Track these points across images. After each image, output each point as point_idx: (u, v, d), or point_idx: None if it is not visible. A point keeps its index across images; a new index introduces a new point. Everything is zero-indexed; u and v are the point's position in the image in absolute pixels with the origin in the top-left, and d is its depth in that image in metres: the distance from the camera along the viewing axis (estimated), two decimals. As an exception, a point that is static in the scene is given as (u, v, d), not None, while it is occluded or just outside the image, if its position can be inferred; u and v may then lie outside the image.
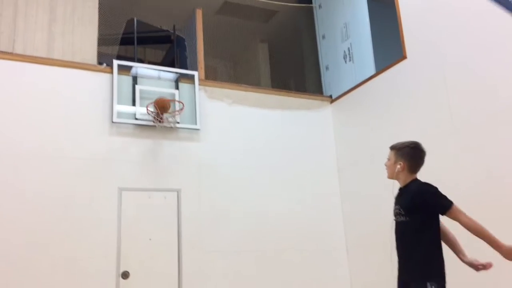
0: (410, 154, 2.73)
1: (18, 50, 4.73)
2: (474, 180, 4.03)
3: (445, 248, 2.65)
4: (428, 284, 2.47)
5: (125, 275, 4.54)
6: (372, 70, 5.58)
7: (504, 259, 2.44)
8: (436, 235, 2.60)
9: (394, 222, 2.80)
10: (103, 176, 4.72)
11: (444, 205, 2.53)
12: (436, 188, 2.59)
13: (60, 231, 4.39)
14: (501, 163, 3.81)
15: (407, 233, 2.61)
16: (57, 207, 4.44)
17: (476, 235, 2.45)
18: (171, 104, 5.05)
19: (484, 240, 2.44)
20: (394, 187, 2.86)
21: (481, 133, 4.02)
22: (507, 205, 3.73)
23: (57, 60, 4.85)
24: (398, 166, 2.73)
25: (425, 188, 2.63)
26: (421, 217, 2.58)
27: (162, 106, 4.90)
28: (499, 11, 3.93)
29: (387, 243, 4.81)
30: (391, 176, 2.82)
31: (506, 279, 3.71)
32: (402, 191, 2.78)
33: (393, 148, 2.84)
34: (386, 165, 2.87)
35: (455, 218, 2.51)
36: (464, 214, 2.50)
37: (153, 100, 4.94)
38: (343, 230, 5.76)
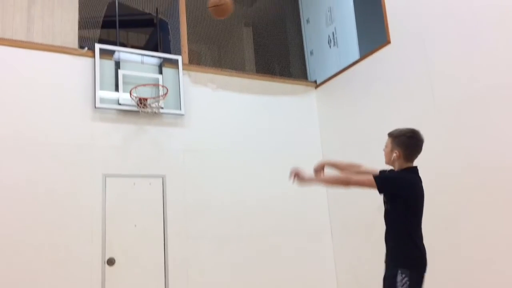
0: (406, 143, 2.73)
1: (-4, 33, 4.60)
2: (455, 160, 4.11)
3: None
4: (399, 272, 2.52)
5: (110, 261, 4.53)
6: (356, 55, 5.59)
7: None
8: (410, 225, 2.62)
9: None
10: (87, 162, 4.66)
11: (378, 176, 2.67)
12: (393, 174, 2.71)
13: (44, 218, 4.34)
14: (483, 146, 3.89)
15: (387, 220, 2.70)
16: (41, 194, 4.37)
17: (337, 177, 2.80)
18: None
19: (332, 177, 2.79)
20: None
21: (462, 114, 4.09)
22: (488, 187, 3.82)
23: (37, 43, 4.73)
24: (394, 155, 2.75)
25: (395, 172, 2.73)
26: (395, 206, 2.64)
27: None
28: (482, -3, 3.97)
29: (370, 226, 4.91)
30: (388, 163, 2.84)
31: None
32: None
33: (390, 135, 2.83)
34: (384, 151, 2.88)
35: (365, 175, 2.72)
36: (358, 182, 2.69)
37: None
38: (327, 213, 5.83)
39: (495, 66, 3.82)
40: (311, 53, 6.49)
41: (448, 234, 4.11)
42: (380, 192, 2.61)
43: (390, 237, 2.67)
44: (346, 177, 2.76)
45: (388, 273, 2.59)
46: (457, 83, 4.16)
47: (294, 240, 5.52)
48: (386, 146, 2.86)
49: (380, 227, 2.81)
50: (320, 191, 5.88)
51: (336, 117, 5.85)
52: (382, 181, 2.61)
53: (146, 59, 5.28)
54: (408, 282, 2.48)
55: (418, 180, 2.71)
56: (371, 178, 2.61)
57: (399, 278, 2.50)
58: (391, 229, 2.67)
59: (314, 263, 5.59)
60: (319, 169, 3.01)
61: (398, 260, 2.58)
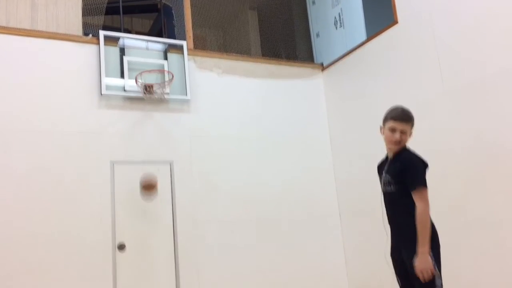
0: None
1: (1, 22, 4.59)
2: (464, 143, 4.06)
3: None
4: None
5: (121, 247, 4.58)
6: (363, 36, 5.51)
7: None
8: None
9: (382, 192, 2.80)
10: (95, 149, 4.69)
11: (416, 182, 2.52)
12: (423, 164, 2.59)
13: (53, 206, 4.39)
14: (491, 126, 3.84)
15: (399, 202, 2.62)
16: (49, 182, 4.42)
17: (418, 225, 2.47)
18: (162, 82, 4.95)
19: (420, 233, 2.45)
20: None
21: (471, 96, 4.03)
22: (495, 167, 3.79)
23: (41, 31, 4.72)
24: (409, 137, 2.68)
25: (417, 159, 2.62)
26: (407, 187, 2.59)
27: (149, 186, 4.47)
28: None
29: (379, 209, 4.89)
30: (401, 148, 2.70)
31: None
32: (392, 160, 2.73)
33: (410, 119, 2.68)
34: (403, 139, 2.67)
35: (416, 199, 2.51)
36: (426, 202, 2.50)
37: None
38: (335, 196, 5.83)
39: (505, 47, 3.73)
40: (317, 35, 6.41)
41: (456, 215, 4.09)
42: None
43: (407, 217, 2.56)
44: (422, 214, 2.49)
45: (411, 253, 2.50)
46: (466, 64, 4.09)
47: (302, 223, 5.54)
48: (403, 132, 2.66)
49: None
50: (327, 174, 5.88)
51: (343, 99, 5.80)
52: (421, 180, 2.52)
53: (150, 45, 5.25)
54: (434, 257, 2.47)
55: None
56: (423, 191, 2.51)
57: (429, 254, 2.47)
58: (405, 209, 2.57)
59: (323, 246, 5.61)
60: None
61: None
